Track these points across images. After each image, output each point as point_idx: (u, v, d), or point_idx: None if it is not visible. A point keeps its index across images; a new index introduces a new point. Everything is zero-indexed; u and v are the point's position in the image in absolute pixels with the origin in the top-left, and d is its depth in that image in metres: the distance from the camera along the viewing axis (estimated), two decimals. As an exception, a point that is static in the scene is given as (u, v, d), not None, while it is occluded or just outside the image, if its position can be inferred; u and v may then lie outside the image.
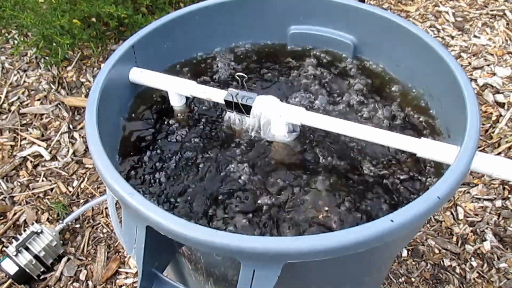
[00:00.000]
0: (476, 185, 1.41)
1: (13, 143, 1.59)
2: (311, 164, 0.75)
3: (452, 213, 1.35)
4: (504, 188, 1.39)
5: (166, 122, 0.82)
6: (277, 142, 0.77)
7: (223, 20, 0.92)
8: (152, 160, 0.76)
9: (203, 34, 0.92)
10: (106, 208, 1.39)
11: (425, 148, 0.66)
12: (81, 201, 1.43)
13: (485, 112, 1.60)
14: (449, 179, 0.58)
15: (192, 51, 0.94)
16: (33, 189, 1.46)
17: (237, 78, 0.86)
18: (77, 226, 1.37)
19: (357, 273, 0.74)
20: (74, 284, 1.26)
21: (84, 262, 1.30)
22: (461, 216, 1.34)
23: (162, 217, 0.55)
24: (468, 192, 1.40)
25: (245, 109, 0.75)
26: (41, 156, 1.54)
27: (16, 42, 1.84)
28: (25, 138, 1.60)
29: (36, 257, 1.22)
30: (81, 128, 1.62)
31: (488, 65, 1.75)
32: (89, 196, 1.44)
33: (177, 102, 0.83)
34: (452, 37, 1.90)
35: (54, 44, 1.69)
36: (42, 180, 1.48)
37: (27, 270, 1.21)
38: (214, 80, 0.90)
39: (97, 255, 1.30)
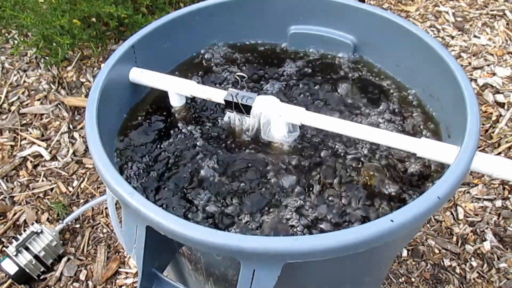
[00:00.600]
0: (476, 185, 1.41)
1: (13, 143, 1.59)
2: (310, 163, 0.75)
3: (452, 213, 1.35)
4: (504, 188, 1.39)
5: (166, 122, 0.82)
6: (277, 142, 0.77)
7: (223, 20, 0.92)
8: (152, 160, 0.76)
9: (203, 34, 0.92)
10: (106, 208, 1.39)
11: (425, 148, 0.66)
12: (81, 201, 1.43)
13: (485, 112, 1.60)
14: (449, 179, 0.58)
15: (192, 51, 0.94)
16: (33, 189, 1.46)
17: (237, 78, 0.86)
18: (77, 226, 1.37)
19: (357, 273, 0.74)
20: (74, 284, 1.26)
21: (84, 262, 1.30)
22: (461, 216, 1.34)
23: (162, 217, 0.55)
24: (468, 192, 1.40)
25: (245, 109, 0.75)
26: (41, 156, 1.54)
27: (16, 42, 1.84)
28: (25, 138, 1.60)
29: (36, 257, 1.22)
30: (81, 128, 1.62)
31: (488, 65, 1.75)
32: (89, 196, 1.44)
33: (177, 102, 0.83)
34: (452, 37, 1.90)
35: (54, 44, 1.69)
36: (42, 180, 1.48)
37: (27, 270, 1.21)
38: (214, 80, 0.90)
39: (97, 255, 1.30)
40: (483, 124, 1.55)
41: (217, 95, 0.78)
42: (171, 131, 0.81)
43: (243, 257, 0.53)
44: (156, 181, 0.74)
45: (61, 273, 1.27)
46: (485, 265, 1.24)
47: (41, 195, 1.44)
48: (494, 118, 1.57)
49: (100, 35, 1.79)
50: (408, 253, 1.27)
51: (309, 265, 0.60)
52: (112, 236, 1.34)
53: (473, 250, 1.27)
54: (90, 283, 1.26)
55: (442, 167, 0.73)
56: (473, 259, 1.25)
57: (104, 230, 1.36)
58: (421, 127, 0.80)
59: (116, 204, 0.87)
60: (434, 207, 0.55)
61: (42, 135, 1.61)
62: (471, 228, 1.31)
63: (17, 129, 1.63)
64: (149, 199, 0.58)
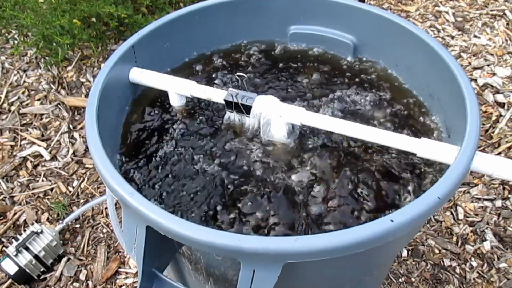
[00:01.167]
0: (476, 185, 1.41)
1: (13, 143, 1.59)
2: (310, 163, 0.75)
3: (452, 213, 1.35)
4: (504, 188, 1.39)
5: (166, 122, 0.82)
6: (277, 142, 0.77)
7: (223, 20, 0.92)
8: (152, 160, 0.76)
9: (203, 34, 0.92)
10: (106, 208, 1.39)
11: (425, 148, 0.66)
12: (81, 201, 1.43)
13: (485, 112, 1.60)
14: (449, 179, 0.58)
15: (192, 51, 0.94)
16: (33, 189, 1.46)
17: (237, 78, 0.86)
18: (77, 226, 1.37)
19: (357, 273, 0.74)
20: (74, 284, 1.26)
21: (84, 262, 1.30)
22: (461, 216, 1.34)
23: (162, 217, 0.55)
24: (468, 192, 1.40)
25: (245, 109, 0.75)
26: (41, 156, 1.54)
27: (16, 42, 1.84)
28: (25, 138, 1.60)
29: (36, 257, 1.22)
30: (81, 128, 1.62)
31: (488, 65, 1.75)
32: (89, 196, 1.44)
33: (177, 102, 0.83)
34: (452, 37, 1.90)
35: (54, 44, 1.69)
36: (42, 180, 1.48)
37: (27, 270, 1.21)
38: (214, 80, 0.90)
39: (97, 255, 1.30)
40: (483, 124, 1.55)
41: (217, 95, 0.78)
42: (171, 131, 0.81)
43: (243, 257, 0.53)
44: (157, 180, 0.74)
45: (61, 273, 1.27)
46: (485, 265, 1.24)
47: (41, 195, 1.44)
48: (494, 118, 1.57)
49: (100, 35, 1.79)
50: (408, 253, 1.27)
51: (309, 265, 0.60)
52: (112, 236, 1.34)
53: (473, 250, 1.27)
54: (90, 283, 1.26)
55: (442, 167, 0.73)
56: (473, 259, 1.25)
57: (104, 230, 1.36)
58: (421, 127, 0.80)
59: (116, 204, 0.87)
60: (434, 207, 0.55)
61: (42, 135, 1.61)
62: (471, 228, 1.31)
63: (17, 129, 1.63)
64: (149, 199, 0.58)
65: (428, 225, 1.32)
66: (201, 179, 0.73)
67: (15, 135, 1.61)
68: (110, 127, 0.78)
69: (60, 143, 1.58)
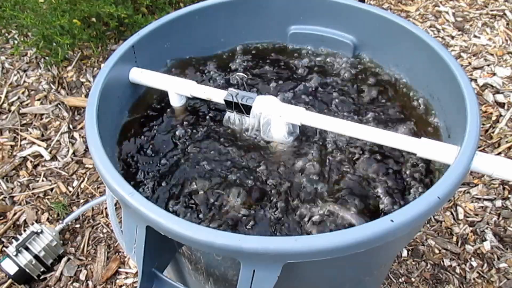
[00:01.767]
0: (476, 185, 1.41)
1: (13, 143, 1.59)
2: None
3: (452, 213, 1.35)
4: (504, 188, 1.39)
5: (166, 122, 0.82)
6: (277, 142, 0.77)
7: (223, 20, 0.92)
8: (152, 160, 0.76)
9: (203, 34, 0.92)
10: (106, 208, 1.39)
11: (425, 148, 0.66)
12: (81, 201, 1.43)
13: (485, 112, 1.60)
14: (449, 179, 0.58)
15: (192, 51, 0.94)
16: (33, 189, 1.46)
17: (237, 78, 0.86)
18: (77, 226, 1.37)
19: (357, 273, 0.74)
20: (74, 284, 1.26)
21: (84, 262, 1.30)
22: (461, 216, 1.34)
23: (162, 217, 0.55)
24: (468, 192, 1.40)
25: (245, 109, 0.75)
26: (41, 156, 1.54)
27: (16, 42, 1.84)
28: (25, 138, 1.60)
29: (36, 257, 1.22)
30: (81, 128, 1.62)
31: (488, 65, 1.75)
32: (89, 196, 1.44)
33: (177, 102, 0.83)
34: (452, 37, 1.90)
35: (54, 44, 1.69)
36: (42, 180, 1.48)
37: (27, 270, 1.21)
38: (214, 80, 0.90)
39: (97, 255, 1.30)
40: (483, 124, 1.55)
41: (217, 95, 0.78)
42: (171, 131, 0.81)
43: (243, 257, 0.53)
44: (157, 180, 0.74)
45: (61, 273, 1.27)
46: (485, 265, 1.24)
47: (41, 195, 1.44)
48: (494, 118, 1.57)
49: (100, 35, 1.79)
50: (408, 253, 1.27)
51: (309, 265, 0.60)
52: (112, 236, 1.34)
53: (473, 250, 1.27)
54: (90, 283, 1.26)
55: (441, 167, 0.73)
56: (473, 259, 1.25)
57: (104, 230, 1.36)
58: (421, 127, 0.79)
59: (116, 204, 0.87)
60: (434, 207, 0.55)
61: (42, 135, 1.61)
62: (471, 228, 1.31)
63: (17, 129, 1.63)
64: (149, 199, 0.58)
65: (428, 225, 1.32)
66: (202, 177, 0.73)
67: (15, 135, 1.61)
68: (110, 127, 0.78)
69: (60, 143, 1.58)
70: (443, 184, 0.57)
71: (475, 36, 1.89)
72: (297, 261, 0.52)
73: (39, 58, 1.85)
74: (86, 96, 1.69)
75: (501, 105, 1.61)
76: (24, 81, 1.78)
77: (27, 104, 1.71)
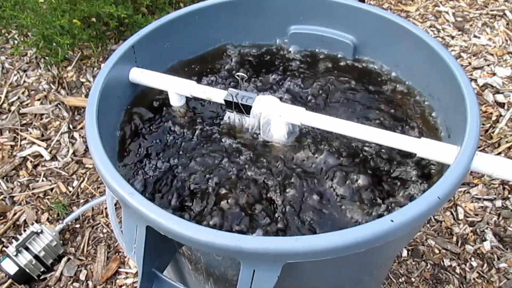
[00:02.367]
0: (476, 185, 1.41)
1: (13, 143, 1.59)
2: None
3: (452, 213, 1.35)
4: (504, 188, 1.39)
5: (166, 122, 0.82)
6: (276, 143, 0.77)
7: (223, 20, 0.92)
8: (152, 160, 0.76)
9: (203, 34, 0.92)
10: (106, 208, 1.39)
11: (425, 148, 0.66)
12: (81, 201, 1.43)
13: (485, 112, 1.60)
14: (449, 179, 0.58)
15: (192, 51, 0.94)
16: (33, 189, 1.46)
17: (237, 78, 0.86)
18: (77, 226, 1.37)
19: (357, 273, 0.74)
20: (74, 284, 1.26)
21: (84, 262, 1.30)
22: (461, 216, 1.34)
23: (162, 217, 0.55)
24: (468, 192, 1.40)
25: (245, 109, 0.75)
26: (41, 156, 1.54)
27: (16, 42, 1.84)
28: (25, 138, 1.60)
29: (36, 257, 1.22)
30: (81, 128, 1.62)
31: (488, 65, 1.75)
32: (89, 196, 1.44)
33: (177, 102, 0.83)
34: (452, 37, 1.90)
35: (54, 44, 1.69)
36: (42, 180, 1.48)
37: (27, 270, 1.21)
38: (214, 80, 0.90)
39: (97, 255, 1.30)
40: (483, 124, 1.55)
41: (217, 95, 0.78)
42: (171, 131, 0.81)
43: (243, 257, 0.53)
44: (157, 180, 0.74)
45: (61, 273, 1.27)
46: (485, 265, 1.24)
47: (41, 195, 1.44)
48: (494, 118, 1.57)
49: (100, 35, 1.79)
50: (408, 253, 1.27)
51: (309, 265, 0.60)
52: (112, 236, 1.34)
53: (473, 250, 1.27)
54: (90, 283, 1.26)
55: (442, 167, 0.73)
56: (473, 259, 1.25)
57: (104, 230, 1.36)
58: (421, 126, 0.79)
59: (115, 204, 0.87)
60: (434, 207, 0.55)
61: (42, 135, 1.61)
62: (471, 228, 1.31)
63: (17, 129, 1.63)
64: (149, 199, 0.58)
65: (428, 225, 1.32)
66: (201, 179, 0.73)
67: (15, 135, 1.61)
68: (110, 127, 0.78)
69: (60, 143, 1.58)
70: (443, 184, 0.57)
71: (475, 36, 1.89)
72: (297, 261, 0.52)
73: (39, 58, 1.85)
74: (86, 96, 1.69)
75: (501, 105, 1.61)
76: (24, 81, 1.78)
77: (27, 104, 1.71)
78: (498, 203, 1.36)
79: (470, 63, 1.77)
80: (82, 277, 1.27)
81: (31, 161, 1.53)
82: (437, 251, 1.27)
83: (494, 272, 1.22)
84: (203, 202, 0.70)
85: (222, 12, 0.90)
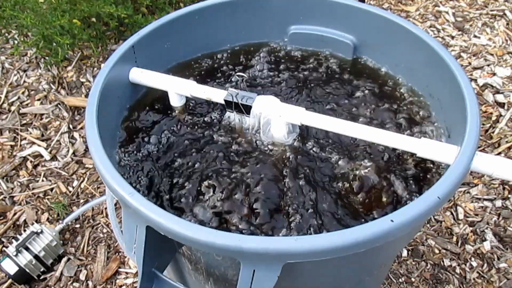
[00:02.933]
0: (476, 185, 1.41)
1: (13, 143, 1.59)
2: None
3: (452, 213, 1.35)
4: (504, 188, 1.39)
5: (166, 122, 0.82)
6: (276, 143, 0.77)
7: (223, 20, 0.92)
8: (152, 160, 0.76)
9: (203, 34, 0.92)
10: (106, 208, 1.39)
11: (425, 148, 0.66)
12: (81, 201, 1.43)
13: (485, 112, 1.60)
14: (449, 179, 0.58)
15: (192, 51, 0.94)
16: (33, 189, 1.46)
17: (237, 78, 0.86)
18: (77, 226, 1.37)
19: (357, 273, 0.74)
20: (74, 284, 1.26)
21: (84, 262, 1.30)
22: (461, 216, 1.34)
23: (162, 217, 0.55)
24: (468, 192, 1.40)
25: (245, 109, 0.75)
26: (41, 156, 1.54)
27: (16, 42, 1.84)
28: (25, 138, 1.60)
29: (36, 257, 1.22)
30: (81, 128, 1.62)
31: (488, 65, 1.75)
32: (89, 196, 1.44)
33: (177, 102, 0.83)
34: (452, 37, 1.90)
35: (54, 44, 1.69)
36: (42, 180, 1.48)
37: (27, 270, 1.21)
38: (214, 80, 0.90)
39: (97, 255, 1.30)
40: (483, 124, 1.55)
41: (217, 95, 0.78)
42: (171, 131, 0.81)
43: (243, 257, 0.53)
44: (157, 180, 0.74)
45: (61, 273, 1.27)
46: (485, 265, 1.24)
47: (41, 195, 1.44)
48: (494, 118, 1.57)
49: (100, 35, 1.79)
50: (408, 253, 1.27)
51: (309, 265, 0.60)
52: (112, 236, 1.34)
53: (473, 250, 1.27)
54: (90, 283, 1.26)
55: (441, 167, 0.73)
56: (473, 259, 1.25)
57: (104, 230, 1.36)
58: (421, 126, 0.79)
59: (115, 204, 0.87)
60: (434, 207, 0.55)
61: (42, 135, 1.61)
62: (471, 228, 1.31)
63: (17, 129, 1.63)
64: (149, 199, 0.59)
65: (428, 225, 1.32)
66: (200, 180, 0.73)
67: (15, 135, 1.61)
68: (110, 127, 0.78)
69: (60, 143, 1.58)
70: (443, 184, 0.57)
71: (475, 36, 1.89)
72: (297, 261, 0.52)
73: (39, 58, 1.85)
74: (86, 96, 1.69)
75: (501, 105, 1.61)
76: (24, 81, 1.78)
77: (27, 104, 1.71)
78: (498, 203, 1.36)
79: (470, 63, 1.77)
80: (82, 277, 1.27)
81: (31, 161, 1.53)
82: (437, 251, 1.27)
83: (494, 272, 1.22)
84: (203, 202, 0.70)
85: (222, 12, 0.90)
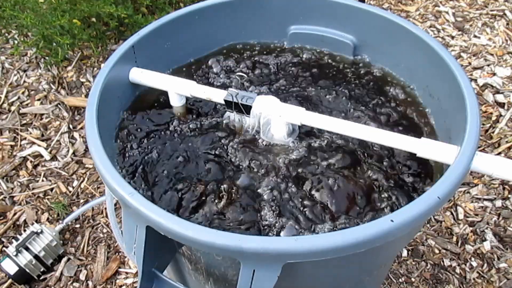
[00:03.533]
0: (476, 185, 1.41)
1: (13, 143, 1.59)
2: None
3: (452, 213, 1.35)
4: (504, 188, 1.39)
5: (166, 122, 0.82)
6: (276, 143, 0.77)
7: (223, 20, 0.92)
8: (152, 160, 0.76)
9: (203, 34, 0.92)
10: (106, 208, 1.39)
11: (425, 148, 0.66)
12: (81, 201, 1.43)
13: (485, 112, 1.60)
14: (449, 179, 0.58)
15: (192, 51, 0.94)
16: (33, 189, 1.46)
17: (237, 77, 0.86)
18: (77, 226, 1.37)
19: (357, 273, 0.74)
20: (74, 284, 1.26)
21: (84, 262, 1.30)
22: (461, 216, 1.34)
23: (162, 217, 0.55)
24: (468, 192, 1.40)
25: (245, 109, 0.75)
26: (41, 156, 1.54)
27: (16, 42, 1.84)
28: (25, 138, 1.60)
29: (36, 257, 1.22)
30: (81, 128, 1.62)
31: (488, 65, 1.75)
32: (89, 196, 1.44)
33: (177, 102, 0.83)
34: (452, 37, 1.90)
35: (54, 44, 1.69)
36: (42, 180, 1.48)
37: (27, 270, 1.21)
38: (214, 80, 0.90)
39: (97, 255, 1.30)
40: (483, 124, 1.55)
41: (217, 95, 0.78)
42: (171, 131, 0.81)
43: (243, 257, 0.53)
44: (157, 180, 0.74)
45: (61, 273, 1.27)
46: (485, 265, 1.24)
47: (41, 195, 1.44)
48: (494, 118, 1.57)
49: (100, 35, 1.79)
50: (408, 253, 1.27)
51: (309, 265, 0.60)
52: (112, 236, 1.34)
53: (473, 250, 1.27)
54: (90, 283, 1.26)
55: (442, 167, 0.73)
56: (473, 259, 1.25)
57: (104, 230, 1.36)
58: (421, 126, 0.79)
59: (115, 204, 0.87)
60: (434, 207, 0.55)
61: (42, 135, 1.61)
62: (471, 228, 1.31)
63: (17, 129, 1.63)
64: (149, 199, 0.58)
65: (428, 225, 1.32)
66: (201, 177, 0.73)
67: (15, 135, 1.61)
68: (110, 127, 0.78)
69: (60, 143, 1.58)
70: (443, 184, 0.57)
71: (475, 36, 1.89)
72: (297, 261, 0.52)
73: (39, 58, 1.85)
74: (86, 96, 1.69)
75: (501, 105, 1.61)
76: (24, 81, 1.78)
77: (27, 104, 1.71)
78: (498, 203, 1.36)
79: (470, 63, 1.77)
80: (82, 277, 1.27)
81: (31, 161, 1.53)
82: (437, 251, 1.27)
83: (494, 272, 1.22)
84: (203, 203, 0.70)
85: (222, 12, 0.90)
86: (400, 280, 1.22)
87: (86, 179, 1.48)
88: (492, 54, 1.80)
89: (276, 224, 0.67)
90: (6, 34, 1.94)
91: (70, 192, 1.45)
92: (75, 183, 1.47)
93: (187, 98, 0.84)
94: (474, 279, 1.22)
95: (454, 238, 1.29)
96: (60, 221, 1.33)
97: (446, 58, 0.73)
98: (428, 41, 0.77)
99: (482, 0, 2.06)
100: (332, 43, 0.92)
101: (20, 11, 1.59)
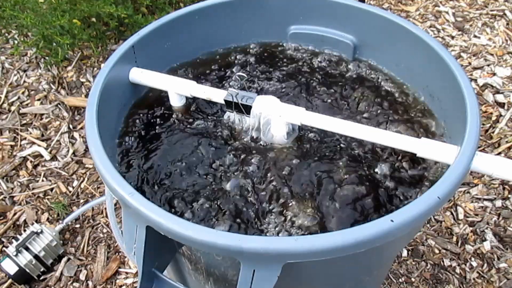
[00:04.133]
0: (476, 185, 1.41)
1: (13, 143, 1.59)
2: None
3: (452, 213, 1.35)
4: (504, 188, 1.39)
5: (166, 122, 0.82)
6: (276, 143, 0.77)
7: (223, 20, 0.92)
8: (152, 160, 0.76)
9: (203, 34, 0.92)
10: (106, 208, 1.39)
11: (425, 148, 0.66)
12: (81, 201, 1.43)
13: (485, 112, 1.60)
14: (449, 179, 0.58)
15: (192, 51, 0.94)
16: (33, 189, 1.46)
17: (237, 78, 0.86)
18: (77, 226, 1.37)
19: (357, 273, 0.74)
20: (74, 284, 1.26)
21: (84, 262, 1.30)
22: (461, 216, 1.34)
23: (162, 217, 0.55)
24: (468, 192, 1.40)
25: (245, 109, 0.75)
26: (41, 156, 1.54)
27: (16, 42, 1.84)
28: (25, 138, 1.60)
29: (36, 257, 1.22)
30: (81, 128, 1.62)
31: (488, 65, 1.75)
32: (89, 196, 1.44)
33: (177, 102, 0.83)
34: (452, 37, 1.90)
35: (54, 44, 1.69)
36: (42, 180, 1.48)
37: (27, 270, 1.21)
38: (214, 80, 0.90)
39: (97, 255, 1.30)
40: (483, 124, 1.55)
41: (217, 95, 0.78)
42: (171, 131, 0.81)
43: (243, 257, 0.53)
44: (157, 180, 0.74)
45: (61, 273, 1.27)
46: (485, 265, 1.24)
47: (41, 195, 1.44)
48: (494, 118, 1.57)
49: (100, 35, 1.79)
50: (408, 253, 1.27)
51: (309, 265, 0.60)
52: (112, 236, 1.34)
53: (473, 250, 1.27)
54: (90, 283, 1.26)
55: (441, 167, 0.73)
56: (473, 259, 1.25)
57: (104, 230, 1.36)
58: (421, 127, 0.79)
59: (115, 205, 0.87)
60: (434, 207, 0.55)
61: (42, 135, 1.61)
62: (471, 228, 1.31)
63: (17, 129, 1.63)
64: (148, 199, 0.58)
65: (428, 225, 1.32)
66: (201, 178, 0.73)
67: (15, 135, 1.61)
68: (110, 127, 0.78)
69: (60, 143, 1.58)
70: (443, 184, 0.57)
71: (475, 36, 1.89)
72: (297, 261, 0.52)
73: (39, 58, 1.85)
74: (86, 96, 1.69)
75: (501, 105, 1.61)
76: (24, 81, 1.78)
77: (27, 104, 1.71)
78: (498, 203, 1.36)
79: (470, 63, 1.77)
80: (82, 277, 1.27)
81: (31, 161, 1.53)
82: (437, 251, 1.27)
83: (494, 272, 1.22)
84: (202, 203, 0.70)
85: (222, 12, 0.90)
86: (400, 280, 1.22)
87: (86, 179, 1.48)
88: (492, 54, 1.80)
89: (276, 224, 0.67)
90: (6, 34, 1.94)
91: (70, 192, 1.45)
92: (75, 183, 1.47)
93: (188, 97, 0.84)
94: (474, 279, 1.22)
95: (454, 238, 1.30)
96: (60, 221, 1.33)
97: (446, 58, 0.73)
98: (428, 41, 0.77)
99: (482, 0, 2.06)
100: (332, 43, 0.92)
101: (20, 11, 1.59)
